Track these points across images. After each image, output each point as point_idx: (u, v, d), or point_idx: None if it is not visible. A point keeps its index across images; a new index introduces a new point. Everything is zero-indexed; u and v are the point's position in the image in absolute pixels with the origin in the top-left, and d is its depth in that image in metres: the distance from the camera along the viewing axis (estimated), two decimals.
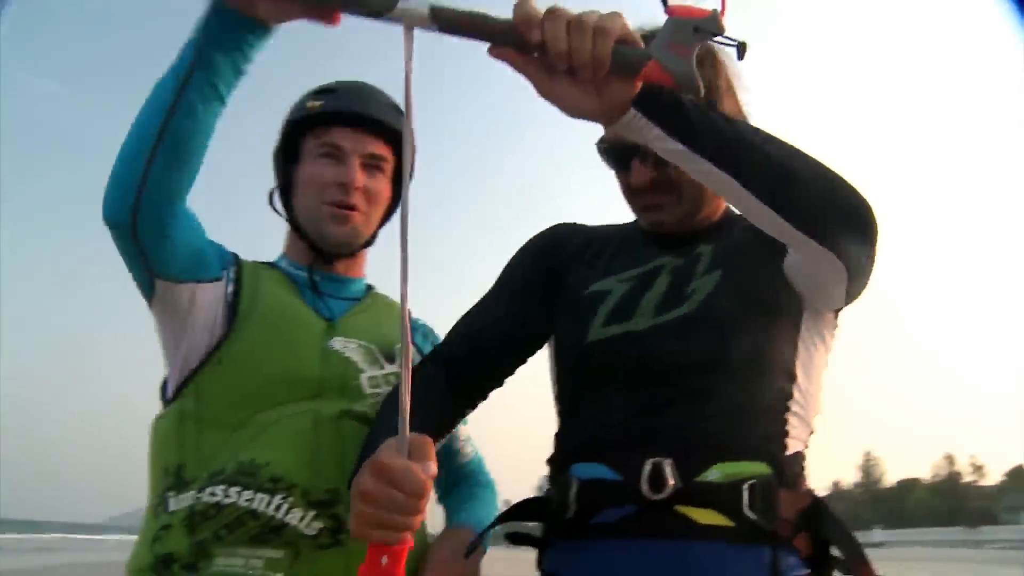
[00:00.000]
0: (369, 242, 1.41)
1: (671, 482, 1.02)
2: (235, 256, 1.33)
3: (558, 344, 1.24)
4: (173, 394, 1.24)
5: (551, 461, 1.19)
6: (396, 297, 0.80)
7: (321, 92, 1.37)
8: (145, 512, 1.21)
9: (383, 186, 1.36)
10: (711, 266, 1.16)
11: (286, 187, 1.39)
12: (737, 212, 1.17)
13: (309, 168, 1.34)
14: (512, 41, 0.85)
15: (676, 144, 0.93)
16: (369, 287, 1.45)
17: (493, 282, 1.29)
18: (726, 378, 1.09)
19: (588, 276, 1.22)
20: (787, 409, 1.10)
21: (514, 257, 1.31)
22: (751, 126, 1.01)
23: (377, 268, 1.45)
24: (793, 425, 1.10)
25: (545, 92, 0.90)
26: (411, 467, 0.78)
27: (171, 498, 1.16)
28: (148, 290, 1.22)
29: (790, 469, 1.06)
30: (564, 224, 1.33)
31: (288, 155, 1.37)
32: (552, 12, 0.84)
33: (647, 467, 1.03)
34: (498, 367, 1.24)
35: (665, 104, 0.91)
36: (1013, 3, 0.97)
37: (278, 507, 1.12)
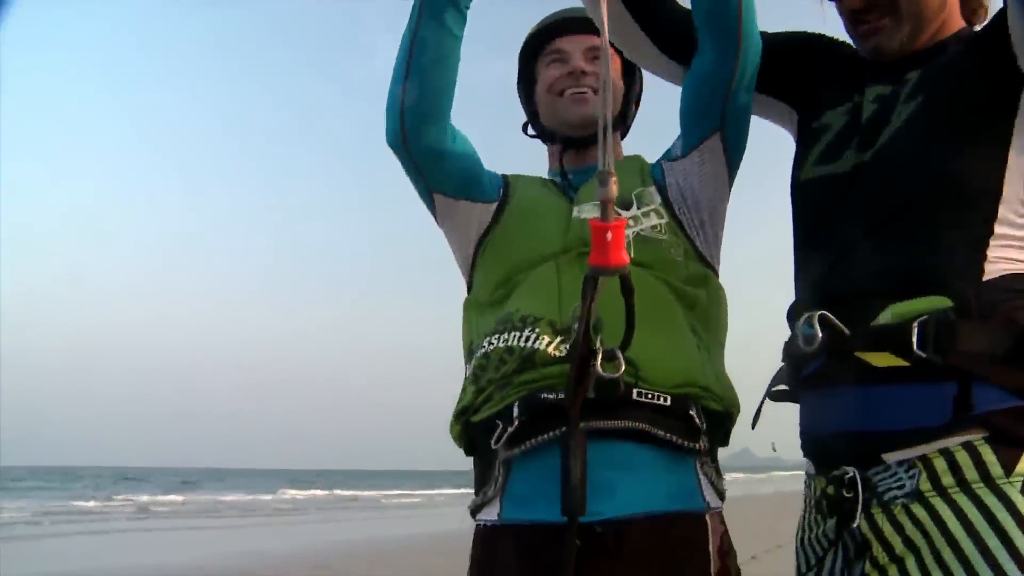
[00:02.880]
0: (616, 125, 1.51)
1: (845, 330, 1.07)
2: (503, 176, 1.52)
3: (791, 176, 1.30)
4: (467, 293, 1.47)
5: (787, 316, 1.24)
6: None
7: (538, 23, 1.55)
8: None
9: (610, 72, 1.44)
10: (913, 92, 1.14)
11: (534, 112, 1.56)
12: (964, 25, 1.19)
13: (543, 76, 1.52)
14: None
15: None
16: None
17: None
18: (910, 214, 1.08)
19: (821, 105, 1.28)
20: (989, 233, 1.05)
21: (809, 33, 1.36)
22: None
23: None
24: (997, 248, 1.05)
25: None
26: None
27: (467, 368, 1.36)
28: (430, 205, 1.46)
29: (988, 297, 1.02)
30: (828, 39, 1.35)
31: (528, 84, 1.56)
32: None
33: (816, 318, 1.09)
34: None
35: None
36: (1015, 2, 1.03)
37: (527, 338, 1.24)
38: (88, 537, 11.37)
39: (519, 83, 1.59)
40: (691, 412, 1.21)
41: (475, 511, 1.30)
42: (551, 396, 1.19)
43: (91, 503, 19.23)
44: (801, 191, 1.26)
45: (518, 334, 1.25)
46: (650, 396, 1.19)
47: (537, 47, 1.54)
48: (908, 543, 1.00)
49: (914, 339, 1.00)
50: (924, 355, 1.00)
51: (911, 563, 0.99)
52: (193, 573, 7.18)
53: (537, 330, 1.24)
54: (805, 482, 1.23)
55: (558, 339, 1.23)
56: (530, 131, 1.59)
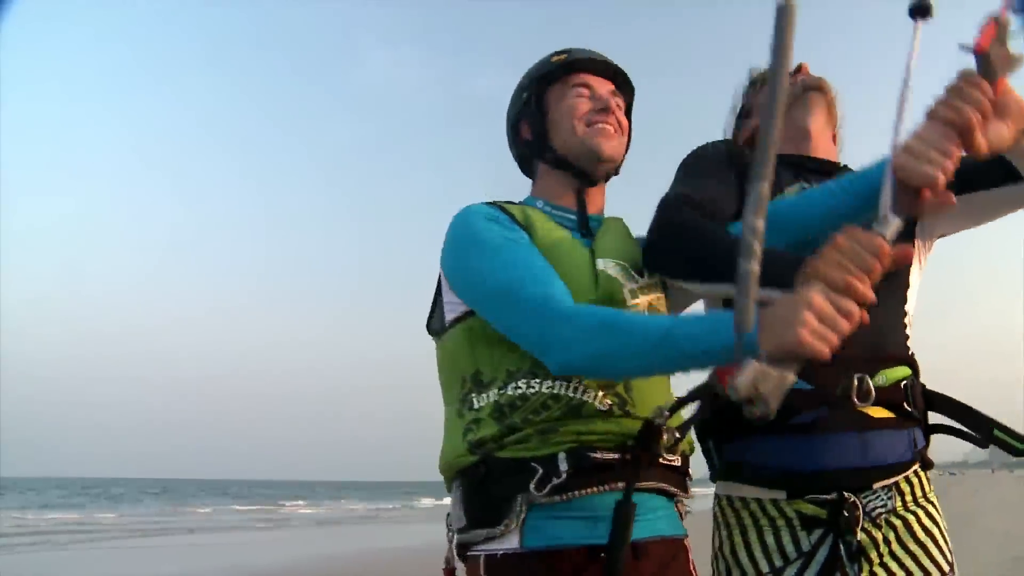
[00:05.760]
0: (615, 171, 1.51)
1: (859, 388, 1.35)
2: (506, 212, 1.40)
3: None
4: (452, 321, 1.37)
5: None
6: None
7: (559, 52, 1.52)
8: (447, 417, 1.37)
9: (625, 120, 1.51)
10: None
11: (540, 136, 1.49)
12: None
13: (566, 103, 1.46)
14: None
15: None
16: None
17: (684, 170, 1.51)
18: (884, 294, 1.17)
19: (780, 182, 1.51)
20: (905, 315, 1.47)
21: (705, 152, 1.55)
22: None
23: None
24: (909, 328, 1.47)
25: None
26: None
27: (473, 397, 1.31)
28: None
29: (916, 367, 1.44)
30: (725, 143, 1.61)
31: (538, 112, 1.48)
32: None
33: (853, 380, 1.35)
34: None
35: None
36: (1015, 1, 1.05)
37: (575, 389, 1.27)
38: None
39: (526, 107, 1.51)
40: (688, 468, 1.37)
41: (477, 543, 1.27)
42: (598, 456, 1.24)
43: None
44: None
45: (565, 383, 1.27)
46: (670, 459, 1.32)
47: (558, 76, 1.48)
48: (887, 541, 1.39)
49: (905, 398, 1.39)
50: (910, 409, 1.39)
51: (894, 546, 1.38)
52: None
53: (585, 382, 1.27)
54: (747, 507, 1.44)
55: (601, 393, 1.27)
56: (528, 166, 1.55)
